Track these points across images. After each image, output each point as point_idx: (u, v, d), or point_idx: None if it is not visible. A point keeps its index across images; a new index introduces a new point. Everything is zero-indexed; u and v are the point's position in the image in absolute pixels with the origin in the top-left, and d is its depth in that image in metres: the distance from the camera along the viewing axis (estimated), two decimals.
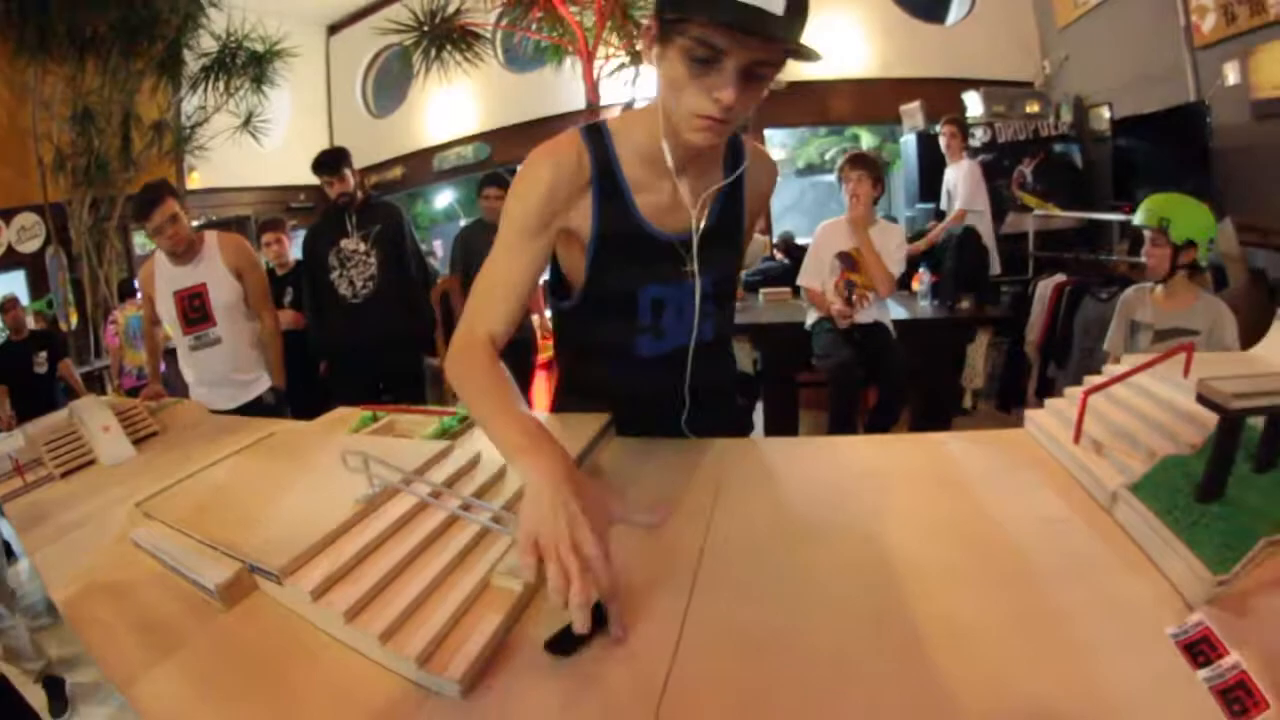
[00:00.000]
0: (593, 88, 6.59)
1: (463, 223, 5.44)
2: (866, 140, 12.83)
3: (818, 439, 1.61)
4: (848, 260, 3.86)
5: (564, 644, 0.81)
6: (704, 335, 1.40)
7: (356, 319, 3.70)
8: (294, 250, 4.38)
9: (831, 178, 13.56)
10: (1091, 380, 1.29)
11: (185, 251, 3.06)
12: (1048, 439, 1.29)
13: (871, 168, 3.79)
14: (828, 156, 13.37)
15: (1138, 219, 2.93)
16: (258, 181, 8.91)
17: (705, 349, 1.42)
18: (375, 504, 1.03)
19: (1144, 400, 1.18)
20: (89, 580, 1.15)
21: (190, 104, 7.82)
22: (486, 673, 0.79)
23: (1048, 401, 1.37)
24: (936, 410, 4.69)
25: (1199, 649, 0.77)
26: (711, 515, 1.13)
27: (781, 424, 4.49)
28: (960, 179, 5.56)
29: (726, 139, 1.25)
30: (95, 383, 6.48)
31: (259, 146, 8.16)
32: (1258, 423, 0.97)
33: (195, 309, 3.10)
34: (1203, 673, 0.74)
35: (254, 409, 3.10)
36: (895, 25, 7.99)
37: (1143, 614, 0.84)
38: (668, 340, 1.39)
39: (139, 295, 5.93)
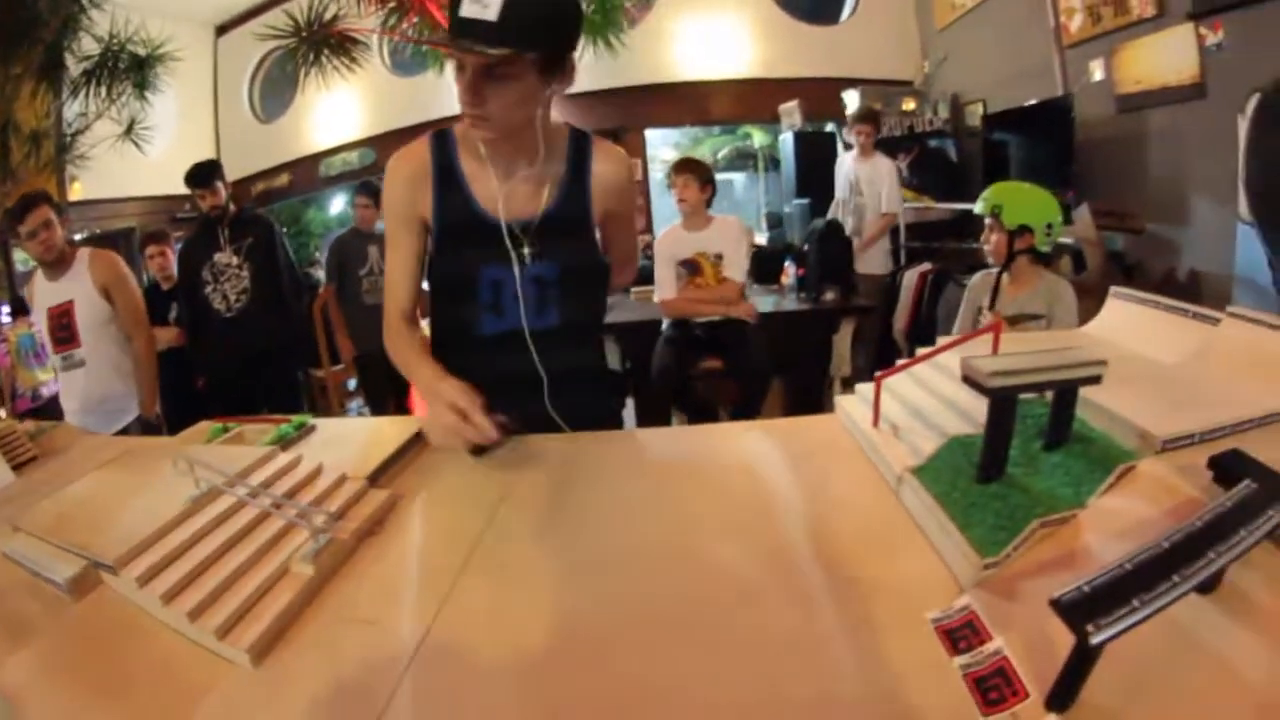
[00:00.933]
0: None
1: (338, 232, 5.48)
2: (759, 138, 13.22)
3: (639, 431, 1.76)
4: (691, 266, 4.00)
5: (480, 450, 1.36)
6: (548, 320, 1.53)
7: (231, 333, 3.72)
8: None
9: (723, 176, 13.96)
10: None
11: (56, 263, 3.06)
12: (852, 423, 1.33)
13: (698, 170, 3.94)
14: (720, 155, 13.74)
15: (976, 208, 3.06)
16: (142, 191, 8.68)
17: (553, 333, 1.54)
18: (200, 503, 1.22)
19: (946, 382, 1.21)
20: None
21: (71, 111, 7.57)
22: (277, 645, 0.98)
23: (858, 387, 1.42)
24: (806, 401, 4.96)
25: (960, 634, 0.75)
26: (498, 506, 1.28)
27: (654, 421, 4.70)
28: (881, 177, 5.87)
29: (499, 133, 1.40)
30: None
31: (142, 155, 7.94)
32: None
33: (63, 327, 3.07)
34: (960, 659, 0.73)
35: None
36: (779, 27, 8.25)
37: (912, 598, 0.85)
38: (508, 319, 1.52)
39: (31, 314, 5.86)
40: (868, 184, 5.89)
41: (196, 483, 1.25)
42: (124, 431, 3.08)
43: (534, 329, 1.53)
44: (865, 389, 1.36)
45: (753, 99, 8.31)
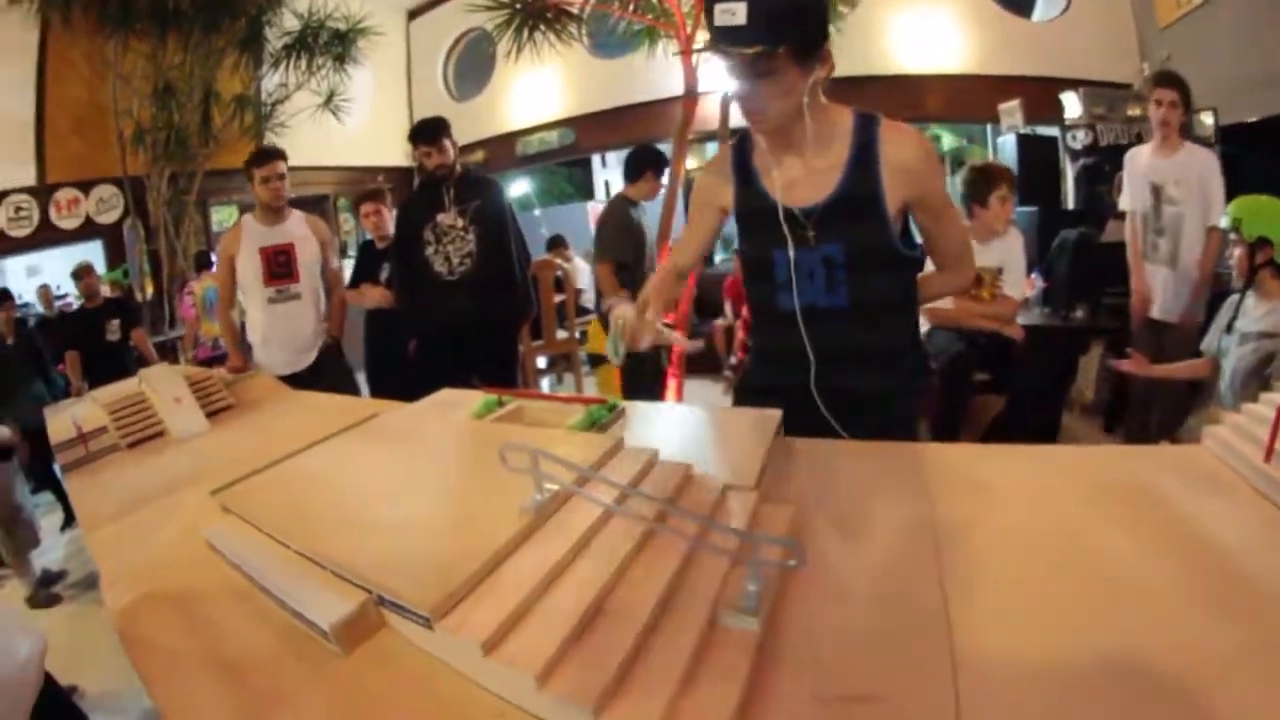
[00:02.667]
0: (691, 72, 6.31)
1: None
2: (947, 141, 12.39)
3: (972, 447, 1.41)
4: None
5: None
6: (836, 299, 1.53)
7: (451, 297, 3.46)
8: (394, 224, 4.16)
9: None
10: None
11: (278, 210, 3.32)
12: (1234, 456, 1.12)
13: (1005, 179, 3.49)
14: None
15: (1221, 222, 2.92)
16: (337, 161, 8.67)
17: (840, 313, 1.54)
18: (545, 514, 0.76)
19: None
20: (152, 587, 0.93)
21: (271, 81, 7.66)
22: None
23: (1227, 417, 1.25)
24: (1038, 423, 4.28)
25: None
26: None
27: None
28: (1204, 174, 3.77)
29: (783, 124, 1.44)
30: (168, 353, 6.36)
31: (340, 126, 7.96)
32: None
33: (280, 264, 3.31)
34: None
35: (314, 370, 3.32)
36: (991, 19, 7.45)
37: None
38: (801, 297, 1.54)
39: (214, 268, 5.78)
40: (1183, 186, 3.79)
41: (539, 485, 0.78)
42: (312, 366, 3.37)
43: (821, 307, 1.55)
44: (1238, 420, 1.19)
45: (967, 96, 7.49)
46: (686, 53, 6.42)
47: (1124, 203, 4.05)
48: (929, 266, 1.67)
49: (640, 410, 1.45)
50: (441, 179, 3.43)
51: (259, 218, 3.35)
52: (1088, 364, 4.75)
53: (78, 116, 6.79)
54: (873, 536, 0.92)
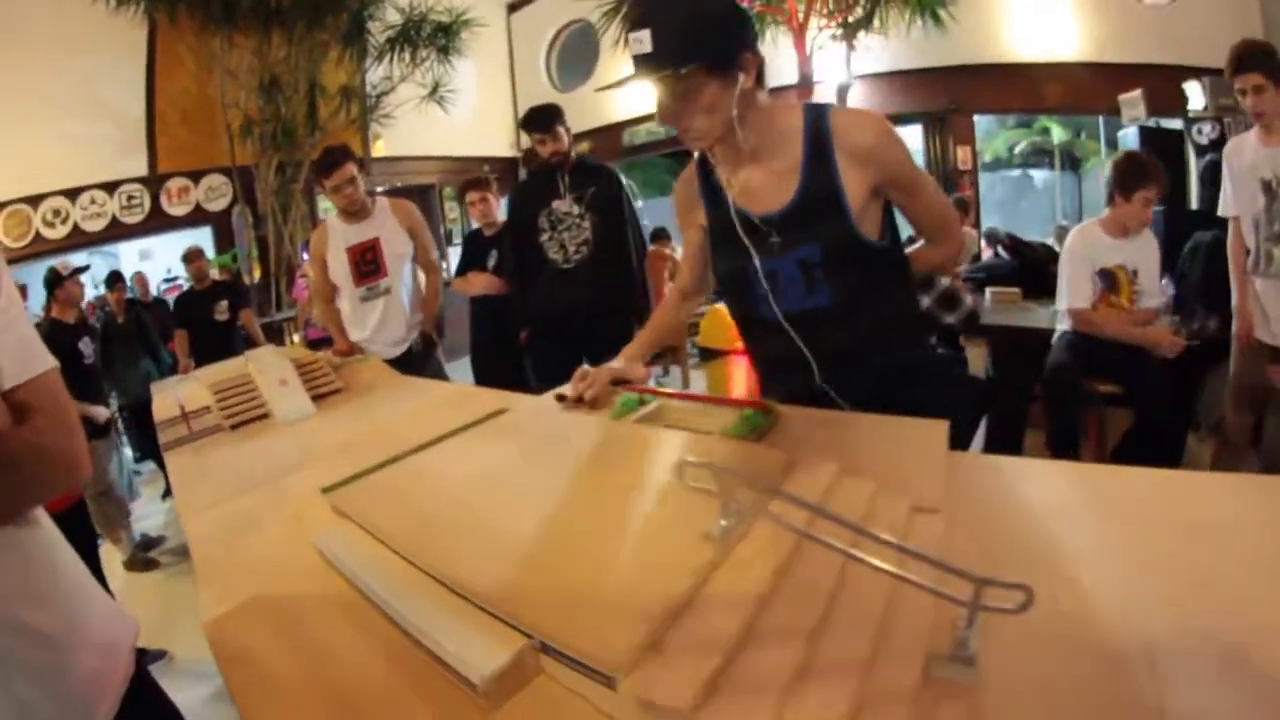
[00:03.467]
0: (805, 61, 6.11)
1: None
2: (1057, 133, 11.96)
3: (1132, 470, 1.11)
4: (1108, 279, 3.30)
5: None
6: (818, 300, 1.48)
7: (566, 285, 3.40)
8: (500, 212, 4.07)
9: (1018, 172, 12.68)
10: None
11: (358, 211, 3.23)
12: None
13: (1158, 181, 3.16)
14: (1016, 150, 12.51)
15: None
16: (440, 151, 8.78)
17: (824, 313, 1.49)
18: (731, 542, 0.63)
19: None
20: (252, 593, 0.84)
21: (375, 74, 7.81)
22: None
23: None
24: (1157, 444, 3.89)
25: None
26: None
27: (1004, 442, 3.86)
28: None
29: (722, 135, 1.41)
30: (275, 334, 6.58)
31: (444, 116, 8.02)
32: None
33: (368, 262, 3.25)
34: None
35: (404, 358, 3.20)
36: (1109, 3, 6.97)
37: None
38: (781, 304, 1.50)
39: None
40: None
41: (727, 510, 0.66)
42: (405, 353, 3.29)
43: (803, 310, 1.50)
44: None
45: (1086, 86, 6.99)
46: (800, 40, 6.28)
47: (1226, 207, 3.28)
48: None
49: (793, 416, 1.30)
50: (557, 166, 3.38)
51: (342, 217, 3.28)
52: (1219, 383, 4.38)
53: (186, 109, 7.06)
54: (1061, 568, 0.78)
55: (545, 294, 3.42)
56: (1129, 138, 6.52)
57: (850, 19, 6.24)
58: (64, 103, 6.21)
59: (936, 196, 1.61)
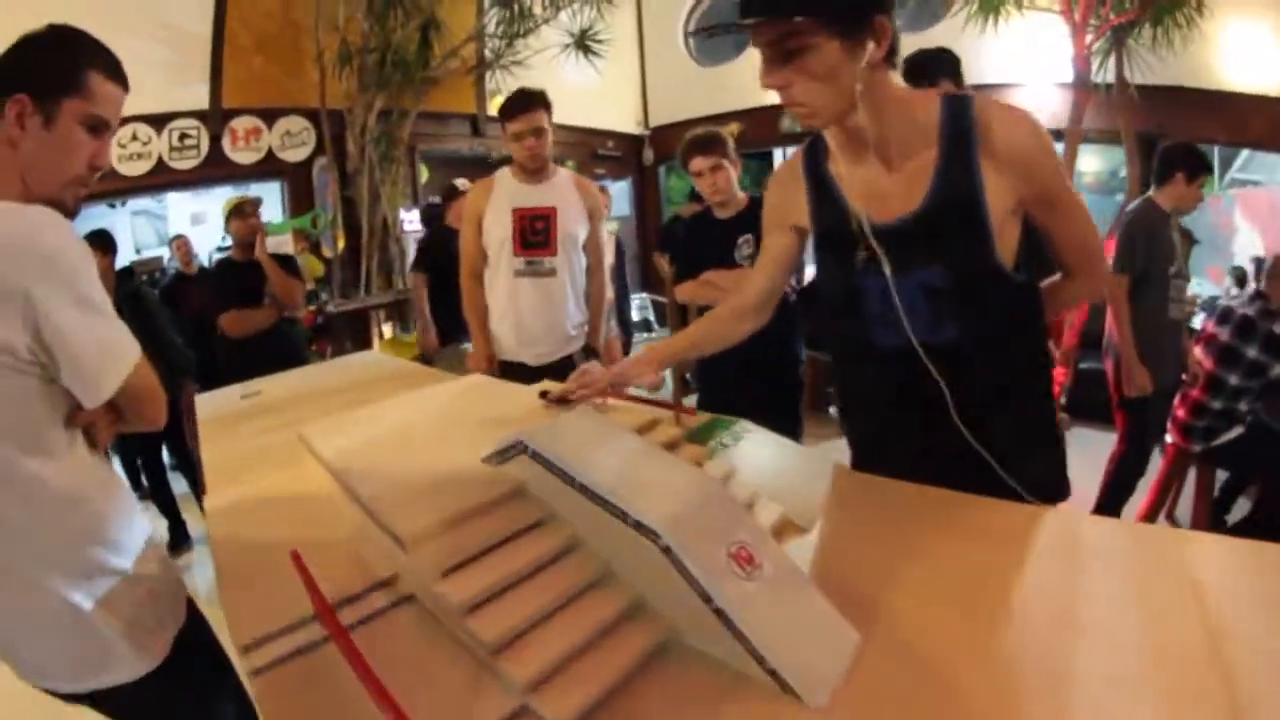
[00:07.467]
0: (1085, 58, 5.06)
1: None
2: None
3: None
4: None
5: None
6: (944, 333, 1.30)
7: None
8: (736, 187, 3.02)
9: None
10: None
11: (539, 169, 2.89)
12: None
13: None
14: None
15: None
16: (562, 119, 7.33)
17: (951, 348, 1.30)
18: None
19: None
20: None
21: (491, 19, 6.23)
22: None
23: None
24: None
25: None
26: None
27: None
28: None
29: (820, 120, 1.25)
30: (358, 327, 5.03)
31: (565, 80, 6.55)
32: None
33: (537, 231, 2.90)
34: None
35: (562, 368, 2.75)
36: None
37: None
38: (900, 331, 1.32)
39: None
40: None
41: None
42: (567, 358, 2.94)
43: (928, 342, 1.30)
44: None
45: None
46: (1081, 34, 5.29)
47: None
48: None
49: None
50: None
51: (517, 174, 2.91)
52: None
53: (266, 32, 5.50)
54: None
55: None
56: None
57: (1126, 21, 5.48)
58: (107, 9, 4.54)
59: (1087, 222, 1.37)
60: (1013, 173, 1.22)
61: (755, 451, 1.31)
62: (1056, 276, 1.41)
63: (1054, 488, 1.37)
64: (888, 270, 1.28)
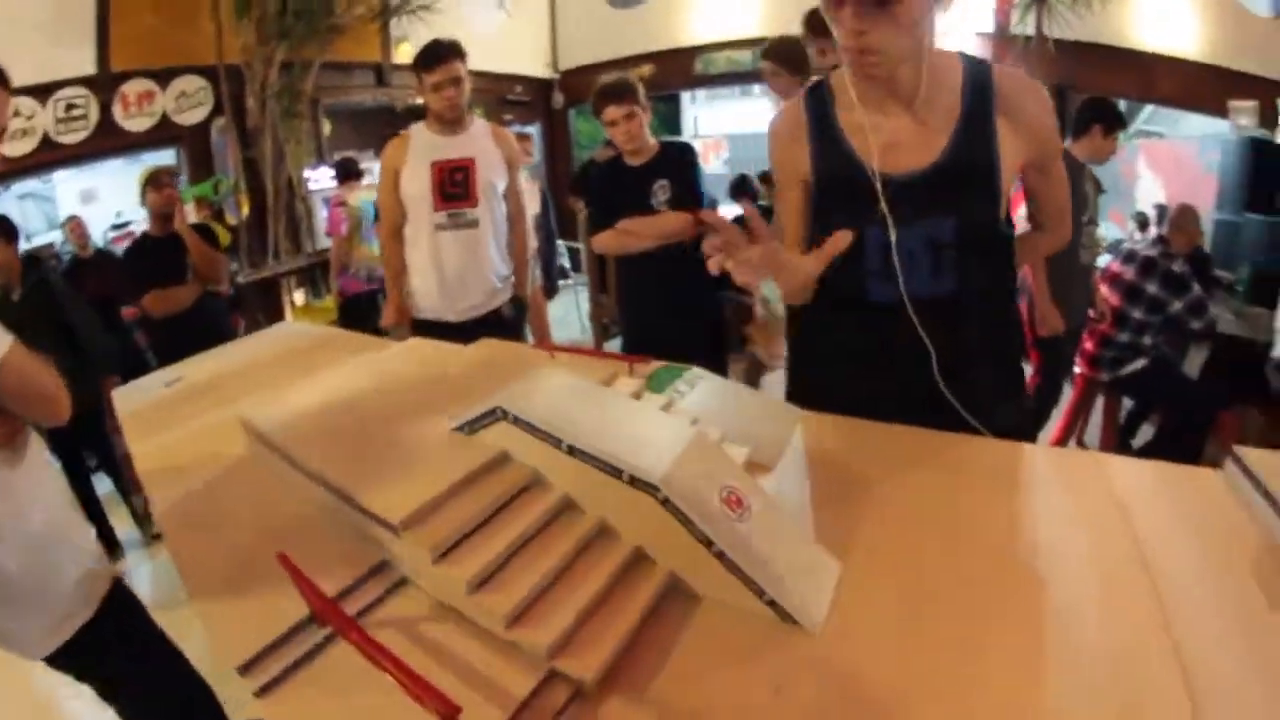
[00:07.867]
0: (1004, 11, 5.18)
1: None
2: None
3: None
4: None
5: None
6: (943, 286, 1.32)
7: None
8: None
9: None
10: None
11: (456, 121, 2.88)
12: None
13: None
14: None
15: None
16: (470, 65, 7.09)
17: (947, 302, 1.33)
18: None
19: None
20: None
21: None
22: None
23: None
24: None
25: None
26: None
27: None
28: None
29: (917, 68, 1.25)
30: (268, 294, 4.84)
31: (471, 25, 6.39)
32: None
33: (456, 183, 2.88)
34: None
35: (489, 323, 2.88)
36: (1229, 9, 6.50)
37: None
38: (907, 285, 1.32)
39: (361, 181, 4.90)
40: None
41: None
42: (494, 312, 2.96)
43: (925, 296, 1.32)
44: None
45: (1198, 86, 6.60)
46: None
47: None
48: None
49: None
50: None
51: (432, 126, 2.89)
52: None
53: None
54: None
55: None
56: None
57: None
58: None
59: (1065, 184, 1.47)
60: (1023, 137, 1.29)
61: (710, 397, 1.34)
62: (1027, 228, 1.50)
63: (1022, 435, 1.41)
64: (892, 222, 1.29)
